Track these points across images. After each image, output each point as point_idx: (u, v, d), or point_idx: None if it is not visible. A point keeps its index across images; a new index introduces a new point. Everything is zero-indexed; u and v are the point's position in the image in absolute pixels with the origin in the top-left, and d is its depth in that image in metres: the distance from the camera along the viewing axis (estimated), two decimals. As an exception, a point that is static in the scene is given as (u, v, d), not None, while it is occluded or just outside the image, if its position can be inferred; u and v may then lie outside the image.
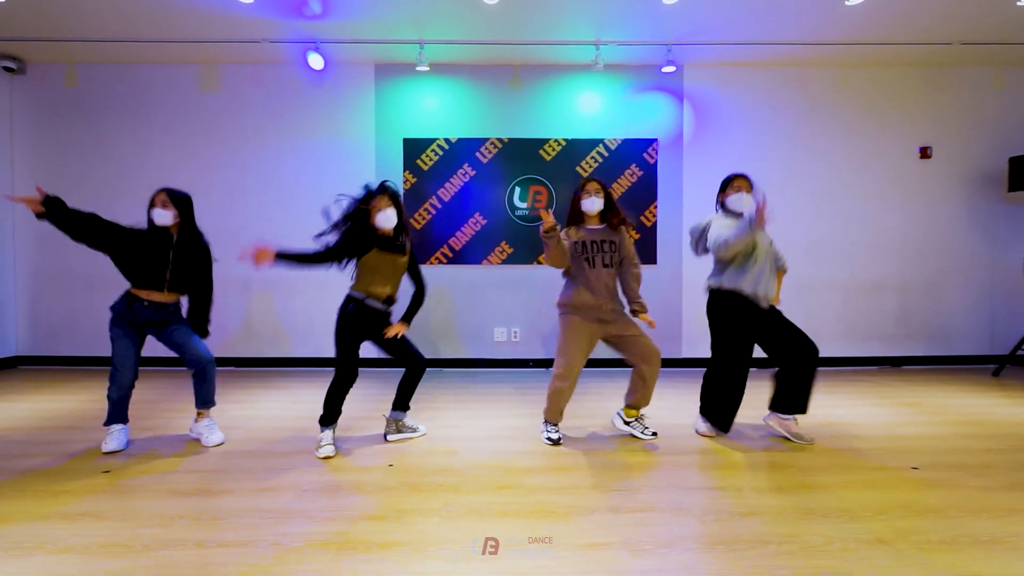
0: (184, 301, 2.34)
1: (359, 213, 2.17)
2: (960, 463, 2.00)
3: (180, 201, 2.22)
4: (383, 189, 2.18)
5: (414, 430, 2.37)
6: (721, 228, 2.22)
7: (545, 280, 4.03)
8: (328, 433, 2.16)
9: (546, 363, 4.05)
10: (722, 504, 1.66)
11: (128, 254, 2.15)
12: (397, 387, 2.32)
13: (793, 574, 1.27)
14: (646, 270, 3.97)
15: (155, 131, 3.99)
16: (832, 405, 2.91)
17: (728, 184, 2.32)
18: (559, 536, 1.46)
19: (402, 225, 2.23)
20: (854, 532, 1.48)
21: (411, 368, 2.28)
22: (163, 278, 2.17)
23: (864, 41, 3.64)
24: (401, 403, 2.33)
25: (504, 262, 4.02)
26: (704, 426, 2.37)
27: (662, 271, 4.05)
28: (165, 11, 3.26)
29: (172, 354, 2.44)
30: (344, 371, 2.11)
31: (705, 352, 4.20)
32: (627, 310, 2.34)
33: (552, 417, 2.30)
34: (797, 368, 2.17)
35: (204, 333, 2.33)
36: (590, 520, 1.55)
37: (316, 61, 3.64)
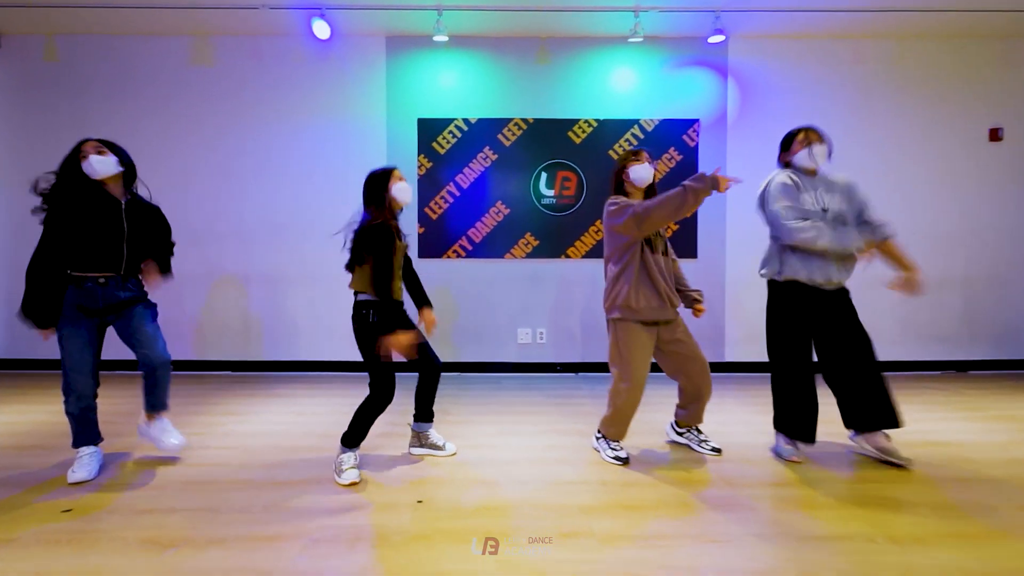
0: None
1: (378, 198, 1.91)
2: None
3: (115, 146, 1.84)
4: (391, 167, 1.98)
5: (440, 447, 2.07)
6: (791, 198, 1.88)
7: (574, 276, 3.64)
8: (351, 456, 1.82)
9: (576, 367, 3.67)
10: (862, 564, 1.28)
11: (74, 232, 1.75)
12: (415, 396, 2.06)
13: None
14: (686, 264, 3.60)
15: (143, 110, 3.60)
16: (918, 419, 2.53)
17: (793, 139, 1.99)
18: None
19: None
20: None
21: (427, 373, 2.03)
22: (120, 249, 1.78)
23: (928, 7, 3.24)
24: (424, 414, 2.07)
25: (529, 256, 3.64)
26: (787, 448, 1.99)
27: (703, 266, 3.66)
28: (150, -31, 2.87)
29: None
30: (382, 389, 1.80)
31: (750, 355, 3.88)
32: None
33: (617, 435, 1.99)
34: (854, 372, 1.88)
35: (165, 268, 1.96)
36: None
37: (322, 29, 3.25)
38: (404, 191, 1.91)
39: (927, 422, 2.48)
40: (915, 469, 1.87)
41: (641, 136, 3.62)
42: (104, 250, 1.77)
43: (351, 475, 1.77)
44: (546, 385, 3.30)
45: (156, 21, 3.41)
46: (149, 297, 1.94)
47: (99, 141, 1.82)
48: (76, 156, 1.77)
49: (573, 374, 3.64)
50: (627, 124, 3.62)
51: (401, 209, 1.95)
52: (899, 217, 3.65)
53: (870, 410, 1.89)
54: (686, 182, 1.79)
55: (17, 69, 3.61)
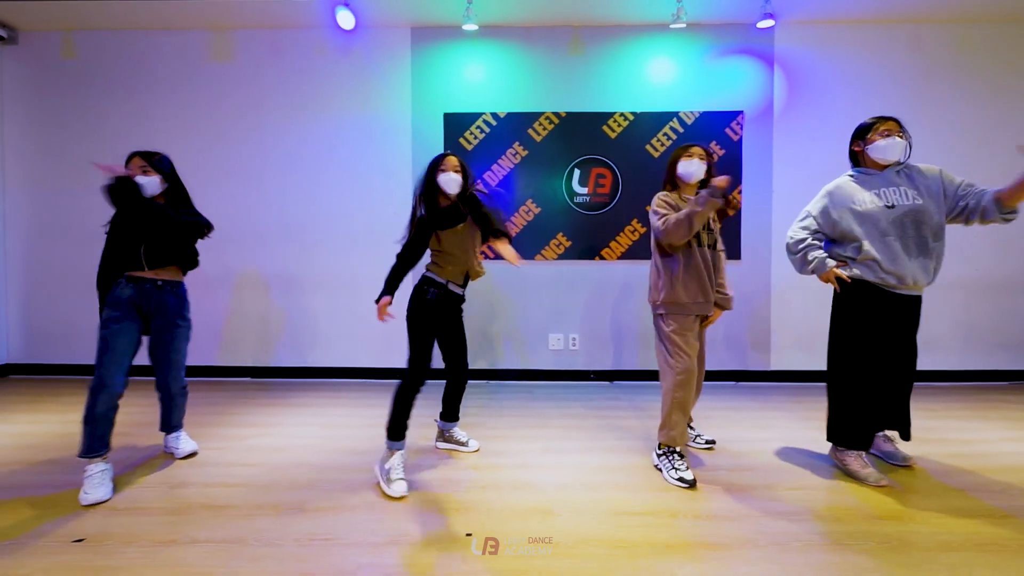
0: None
1: (426, 187, 1.89)
2: None
3: (161, 162, 1.87)
4: (448, 153, 1.94)
5: (464, 444, 2.14)
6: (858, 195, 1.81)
7: (609, 278, 3.44)
8: (398, 457, 1.75)
9: (610, 375, 3.46)
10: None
11: (129, 236, 1.82)
12: (443, 397, 2.14)
13: None
14: (729, 267, 3.38)
15: (162, 107, 3.48)
16: (997, 438, 2.28)
17: (871, 128, 1.82)
18: None
19: (464, 190, 1.92)
20: None
21: (455, 378, 2.07)
22: (167, 252, 1.86)
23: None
24: (449, 414, 2.15)
25: (561, 257, 3.44)
26: (868, 471, 1.78)
27: (747, 268, 3.43)
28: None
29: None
30: (417, 368, 1.80)
31: (799, 363, 3.64)
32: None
33: (678, 440, 1.85)
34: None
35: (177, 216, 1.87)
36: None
37: (346, 19, 3.09)
38: (449, 183, 1.86)
39: (1008, 441, 2.22)
40: (1000, 496, 1.64)
41: (680, 130, 3.41)
42: (155, 250, 1.82)
43: (400, 488, 1.67)
44: (582, 394, 3.09)
45: (175, 15, 3.29)
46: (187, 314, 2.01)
47: (141, 156, 1.84)
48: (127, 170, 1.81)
49: (608, 383, 3.43)
50: (666, 117, 3.41)
51: (453, 201, 1.88)
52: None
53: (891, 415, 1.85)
54: (692, 205, 1.78)
55: (35, 66, 3.52)
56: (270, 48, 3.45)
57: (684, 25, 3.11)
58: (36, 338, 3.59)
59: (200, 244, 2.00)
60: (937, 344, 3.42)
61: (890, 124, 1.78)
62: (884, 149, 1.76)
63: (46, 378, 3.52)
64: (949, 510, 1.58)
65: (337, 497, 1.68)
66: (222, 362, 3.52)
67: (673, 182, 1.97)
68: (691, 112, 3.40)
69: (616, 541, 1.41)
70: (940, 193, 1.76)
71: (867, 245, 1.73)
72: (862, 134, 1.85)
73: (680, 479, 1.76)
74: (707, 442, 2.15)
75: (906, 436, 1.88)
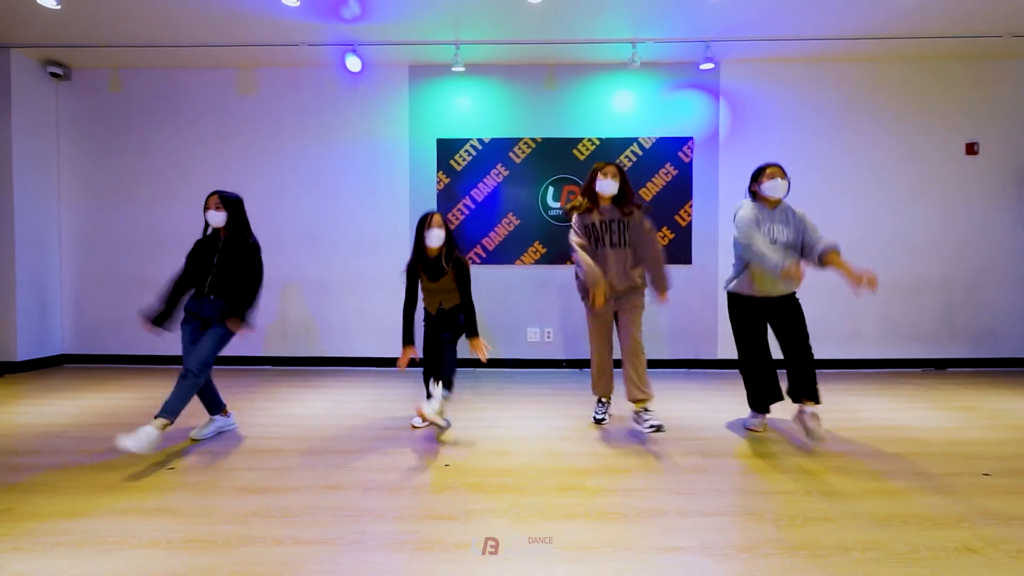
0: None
1: (416, 240, 2.47)
2: (1032, 469, 1.94)
3: (231, 203, 2.32)
4: (433, 212, 2.45)
5: (443, 425, 2.34)
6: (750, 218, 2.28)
7: (578, 280, 4.01)
8: (438, 393, 2.26)
9: (580, 363, 4.03)
10: (794, 509, 1.63)
11: (193, 261, 2.32)
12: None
13: (884, 582, 1.24)
14: (681, 270, 3.95)
15: (196, 134, 4.07)
16: (884, 408, 2.85)
17: (762, 173, 2.31)
18: (635, 540, 1.45)
19: (451, 248, 2.45)
20: (939, 540, 1.44)
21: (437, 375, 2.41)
22: (205, 280, 2.27)
23: (906, 35, 3.55)
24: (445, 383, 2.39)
25: (537, 262, 4.02)
26: (753, 420, 2.43)
27: (697, 271, 4.00)
28: (211, 16, 3.32)
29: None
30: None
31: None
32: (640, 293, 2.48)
33: (593, 389, 2.59)
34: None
35: (241, 315, 2.25)
36: (662, 524, 1.54)
37: (354, 63, 3.67)
38: (433, 238, 2.40)
39: (891, 411, 2.79)
40: (863, 445, 2.20)
41: (640, 153, 3.98)
42: (199, 276, 2.29)
43: (431, 407, 2.18)
44: (552, 379, 3.66)
45: (207, 56, 3.87)
46: (230, 325, 2.25)
47: (220, 197, 2.29)
48: (206, 204, 2.30)
49: (577, 369, 4.00)
50: (627, 142, 3.98)
51: (435, 253, 2.43)
52: (882, 226, 3.99)
53: (797, 384, 2.26)
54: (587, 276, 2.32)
55: (85, 99, 4.10)
56: (289, 84, 4.03)
57: (639, 65, 3.69)
58: (86, 332, 4.17)
59: None
60: (860, 336, 3.99)
61: (774, 169, 2.30)
62: (771, 189, 2.27)
63: (95, 366, 4.10)
64: (836, 468, 2.15)
65: (355, 443, 2.24)
66: (244, 353, 4.10)
67: (591, 193, 2.42)
68: (649, 137, 3.98)
69: (552, 467, 1.97)
70: (801, 232, 2.30)
71: (754, 267, 2.27)
72: (756, 176, 2.34)
73: (593, 417, 2.56)
74: (654, 428, 2.19)
75: (814, 398, 2.23)
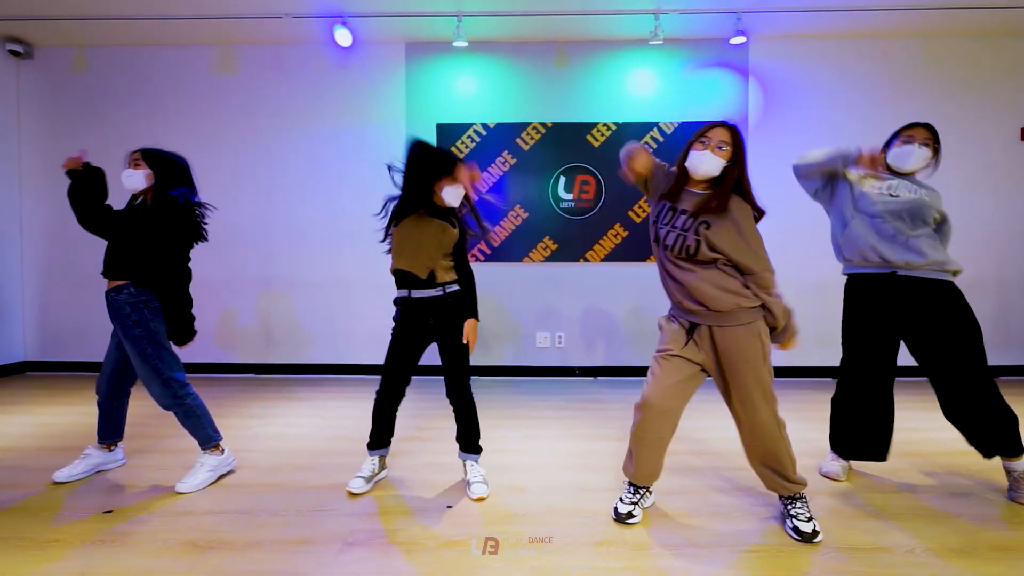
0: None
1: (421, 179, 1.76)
2: None
3: (159, 159, 1.79)
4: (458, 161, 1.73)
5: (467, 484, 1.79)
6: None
7: (593, 280, 3.63)
8: (368, 460, 1.81)
9: (594, 371, 3.66)
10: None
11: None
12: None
13: None
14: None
15: (168, 117, 3.68)
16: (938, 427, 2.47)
17: (898, 133, 1.82)
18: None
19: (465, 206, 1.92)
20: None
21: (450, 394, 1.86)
22: (118, 254, 1.79)
23: (956, 4, 3.17)
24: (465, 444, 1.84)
25: (547, 259, 3.64)
26: (832, 465, 1.87)
27: (724, 269, 3.62)
28: (179, -19, 2.94)
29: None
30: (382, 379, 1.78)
31: (806, 360, 3.78)
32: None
33: (625, 472, 1.59)
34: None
35: (179, 338, 1.87)
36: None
37: (344, 37, 3.29)
38: (454, 196, 1.83)
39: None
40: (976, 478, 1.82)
41: (661, 139, 3.60)
42: (113, 255, 1.81)
43: (355, 484, 1.71)
44: (564, 389, 3.28)
45: (181, 31, 3.49)
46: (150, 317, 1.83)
47: (143, 153, 1.80)
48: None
49: (592, 378, 3.62)
50: (646, 127, 3.60)
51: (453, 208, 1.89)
52: (926, 219, 3.60)
53: (982, 437, 1.66)
54: None
55: (49, 79, 3.72)
56: (272, 62, 3.65)
57: (662, 41, 3.31)
58: (51, 337, 3.78)
59: (202, 246, 1.98)
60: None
61: (915, 130, 1.83)
62: (899, 157, 1.82)
63: (60, 374, 3.72)
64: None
65: (334, 475, 1.86)
66: (221, 359, 3.72)
67: (683, 171, 1.53)
68: (671, 122, 3.60)
69: (580, 510, 1.60)
70: (921, 216, 1.87)
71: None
72: (889, 143, 1.87)
73: (614, 509, 1.55)
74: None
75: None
